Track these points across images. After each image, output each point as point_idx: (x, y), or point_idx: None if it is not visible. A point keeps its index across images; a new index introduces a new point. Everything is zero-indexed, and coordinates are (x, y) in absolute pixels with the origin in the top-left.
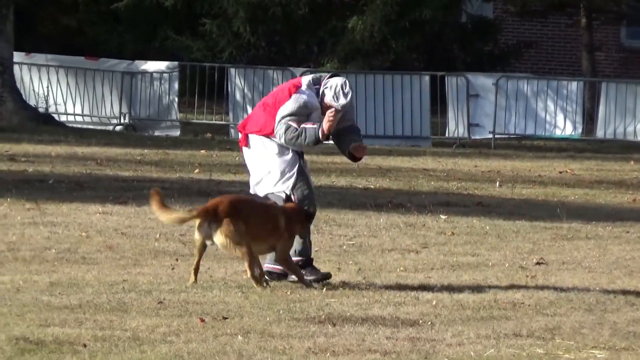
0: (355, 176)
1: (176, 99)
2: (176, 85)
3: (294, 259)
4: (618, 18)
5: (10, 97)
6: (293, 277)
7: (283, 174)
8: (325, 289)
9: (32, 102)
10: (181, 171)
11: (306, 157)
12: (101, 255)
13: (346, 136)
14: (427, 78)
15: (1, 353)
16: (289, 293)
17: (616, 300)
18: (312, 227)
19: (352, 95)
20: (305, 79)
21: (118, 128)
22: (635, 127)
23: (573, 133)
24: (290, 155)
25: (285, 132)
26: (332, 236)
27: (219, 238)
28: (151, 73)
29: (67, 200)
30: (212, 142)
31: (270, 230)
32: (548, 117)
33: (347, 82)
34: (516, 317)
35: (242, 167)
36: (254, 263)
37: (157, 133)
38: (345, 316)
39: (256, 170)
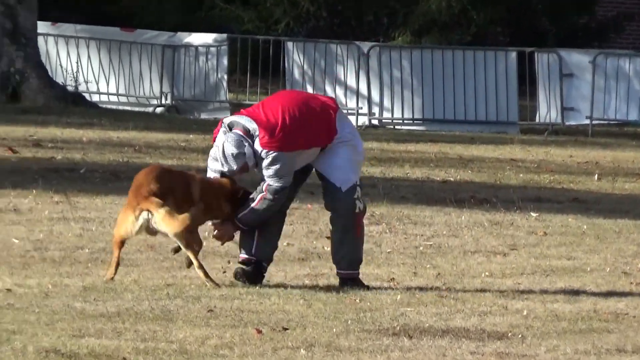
0: (432, 167)
1: (225, 77)
2: (225, 61)
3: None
4: None
5: (35, 74)
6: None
7: None
8: (400, 296)
9: (59, 80)
10: None
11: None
12: (142, 256)
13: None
14: (513, 55)
15: None
16: (357, 301)
17: None
18: (371, 224)
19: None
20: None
21: (159, 110)
22: None
23: None
24: None
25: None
26: (406, 236)
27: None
28: (196, 47)
29: (102, 192)
30: None
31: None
32: None
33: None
34: (619, 330)
35: None
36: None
37: (203, 116)
38: (423, 327)
39: None
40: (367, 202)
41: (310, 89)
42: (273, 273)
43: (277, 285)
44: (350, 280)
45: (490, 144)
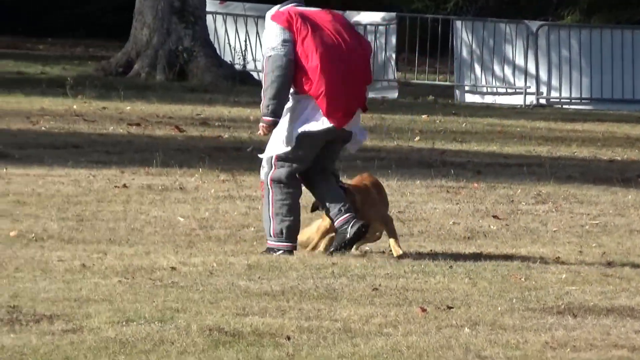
0: (599, 146)
1: (393, 56)
2: (393, 40)
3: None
4: None
5: (203, 52)
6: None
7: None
8: (565, 274)
9: (227, 58)
10: (399, 139)
11: (542, 124)
12: None
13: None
14: None
15: (193, 345)
16: (523, 279)
17: None
18: (537, 203)
19: None
20: None
21: None
22: None
23: None
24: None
25: None
26: (572, 215)
27: None
28: (365, 26)
29: None
30: (435, 106)
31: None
32: None
33: None
34: None
35: (469, 135)
36: None
37: (371, 95)
38: (588, 306)
39: None
40: (534, 180)
41: (478, 68)
42: (438, 251)
43: (443, 264)
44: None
45: None
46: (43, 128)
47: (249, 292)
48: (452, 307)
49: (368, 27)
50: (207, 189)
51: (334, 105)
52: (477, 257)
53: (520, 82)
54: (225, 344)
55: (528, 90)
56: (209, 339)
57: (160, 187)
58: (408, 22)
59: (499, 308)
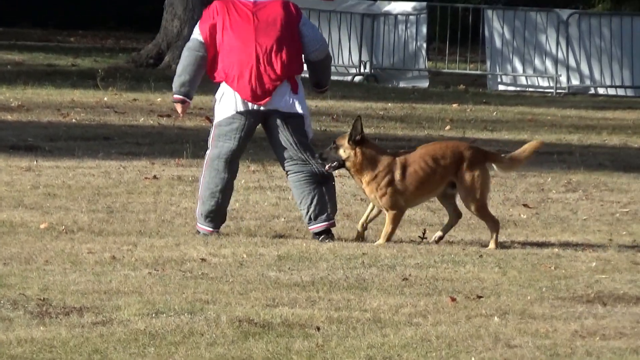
0: (630, 134)
1: (424, 45)
2: (424, 30)
3: None
4: None
5: None
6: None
7: None
8: (595, 263)
9: None
10: (430, 128)
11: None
12: (337, 225)
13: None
14: None
15: (222, 337)
16: (553, 268)
17: None
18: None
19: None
20: None
21: (357, 79)
22: None
23: None
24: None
25: None
26: (602, 202)
27: None
28: (395, 15)
29: None
30: (466, 95)
31: None
32: None
33: None
34: None
35: (499, 124)
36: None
37: (402, 84)
38: (618, 295)
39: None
40: (564, 169)
41: (508, 57)
42: (467, 241)
43: (472, 253)
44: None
45: None
46: (74, 120)
47: (278, 283)
48: (481, 297)
49: (399, 17)
50: (237, 179)
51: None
52: (507, 245)
53: (551, 70)
54: (255, 335)
55: (559, 78)
56: (239, 330)
57: (190, 179)
58: (439, 12)
59: (529, 297)
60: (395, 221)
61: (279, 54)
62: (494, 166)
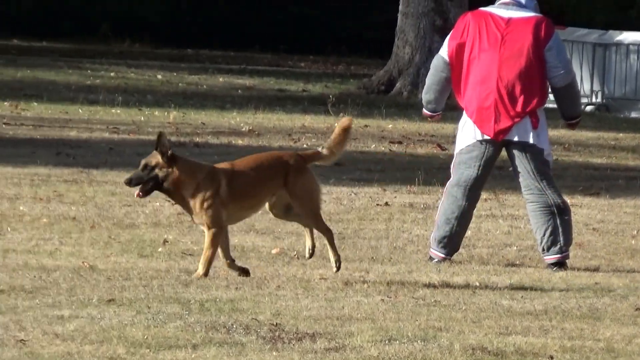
0: None
1: None
2: None
3: None
4: None
5: None
6: None
7: None
8: None
9: None
10: None
11: None
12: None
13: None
14: None
15: None
16: None
17: None
18: None
19: None
20: None
21: (589, 108)
22: None
23: None
24: None
25: None
26: None
27: None
28: (627, 45)
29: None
30: None
31: None
32: None
33: None
34: None
35: None
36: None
37: (634, 115)
38: None
39: None
40: None
41: None
42: None
43: None
44: None
45: None
46: (304, 145)
47: (511, 311)
48: None
49: (631, 46)
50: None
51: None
52: None
53: None
54: None
55: None
56: (472, 358)
57: (422, 206)
58: None
59: None
60: (216, 242)
61: (521, 89)
62: (318, 163)
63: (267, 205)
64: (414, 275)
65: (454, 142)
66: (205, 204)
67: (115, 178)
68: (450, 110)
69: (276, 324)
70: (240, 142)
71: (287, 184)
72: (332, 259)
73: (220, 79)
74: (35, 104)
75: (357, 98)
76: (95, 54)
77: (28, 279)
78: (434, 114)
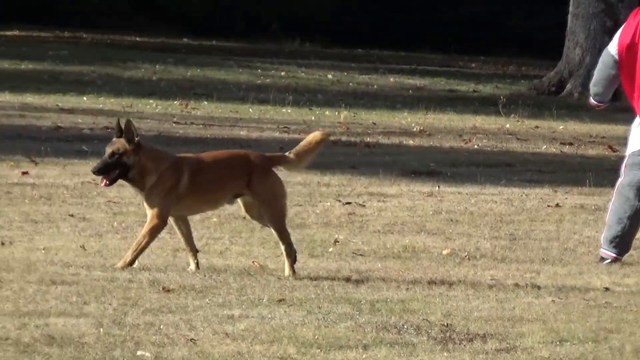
0: None
1: None
2: None
3: None
4: None
5: None
6: None
7: None
8: None
9: None
10: None
11: None
12: None
13: None
14: None
15: None
16: None
17: None
18: None
19: None
20: None
21: None
22: None
23: None
24: None
25: None
26: None
27: None
28: None
29: None
30: None
31: None
32: None
33: None
34: None
35: None
36: None
37: None
38: None
39: None
40: None
41: None
42: None
43: None
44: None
45: None
46: (475, 146)
47: None
48: None
49: None
50: None
51: None
52: None
53: None
54: None
55: None
56: None
57: (593, 207)
58: None
59: None
60: (153, 234)
61: None
62: (282, 168)
63: (242, 209)
64: (584, 276)
65: (625, 144)
66: (161, 194)
67: (286, 178)
68: (621, 112)
69: (447, 324)
70: (411, 142)
71: (251, 185)
72: (287, 272)
73: (391, 79)
74: (205, 102)
75: (527, 99)
76: (265, 53)
77: (198, 278)
78: (601, 104)
